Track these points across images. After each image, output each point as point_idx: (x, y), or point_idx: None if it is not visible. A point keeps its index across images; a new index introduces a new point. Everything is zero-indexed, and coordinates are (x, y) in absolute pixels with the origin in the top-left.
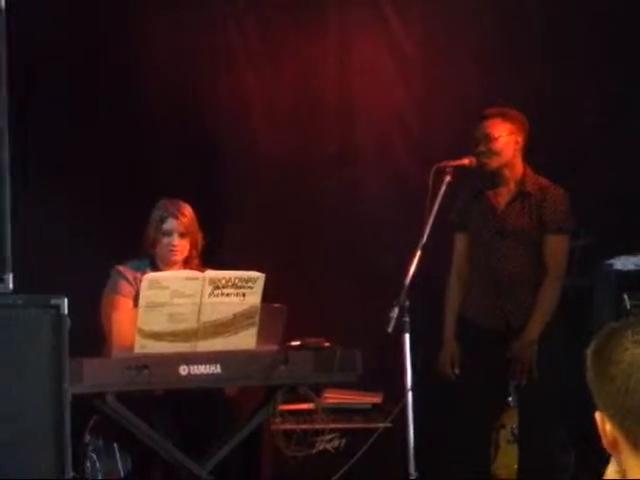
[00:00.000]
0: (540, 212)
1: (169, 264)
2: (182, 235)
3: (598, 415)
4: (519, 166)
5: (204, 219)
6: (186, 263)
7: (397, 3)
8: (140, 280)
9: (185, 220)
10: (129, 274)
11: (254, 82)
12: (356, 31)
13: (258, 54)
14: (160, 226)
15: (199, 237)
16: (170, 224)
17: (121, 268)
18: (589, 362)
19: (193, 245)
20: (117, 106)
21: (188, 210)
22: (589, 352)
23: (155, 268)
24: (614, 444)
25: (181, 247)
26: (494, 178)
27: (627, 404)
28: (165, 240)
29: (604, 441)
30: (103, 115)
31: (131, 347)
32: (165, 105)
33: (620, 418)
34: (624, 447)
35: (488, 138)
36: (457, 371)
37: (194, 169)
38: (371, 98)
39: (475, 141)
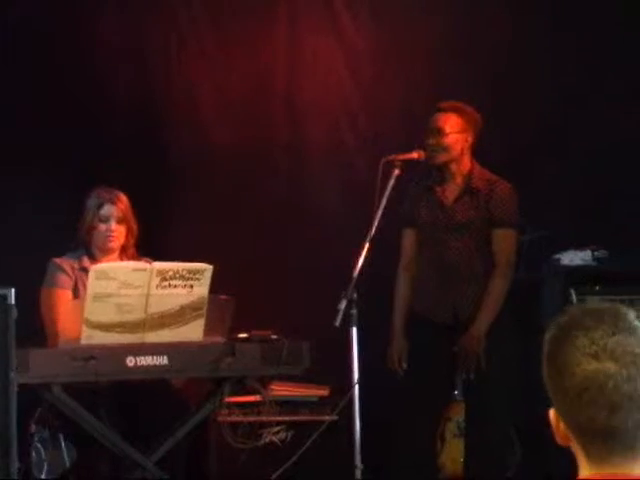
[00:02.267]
0: (487, 206)
1: (105, 251)
2: (119, 221)
3: (552, 413)
4: (466, 161)
5: (154, 211)
6: (122, 251)
7: None
8: (77, 269)
9: (122, 206)
10: (66, 265)
11: (204, 73)
12: (306, 23)
13: (208, 46)
14: (97, 212)
15: (135, 225)
16: (107, 210)
17: (57, 260)
18: (544, 362)
19: (130, 232)
20: (66, 96)
21: (124, 197)
22: (544, 350)
23: (91, 257)
24: (567, 440)
25: (118, 233)
26: (441, 173)
27: (578, 418)
28: (102, 226)
29: (557, 437)
30: (55, 107)
31: (75, 339)
32: (115, 97)
33: (572, 426)
34: (575, 447)
35: (439, 132)
36: (405, 366)
37: (141, 160)
38: (321, 91)
39: (426, 132)
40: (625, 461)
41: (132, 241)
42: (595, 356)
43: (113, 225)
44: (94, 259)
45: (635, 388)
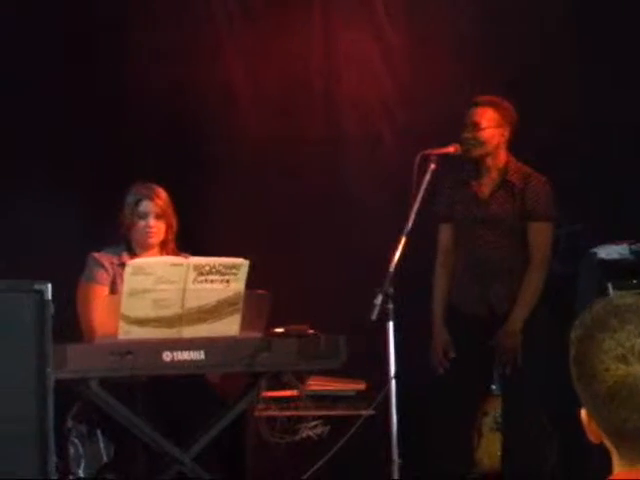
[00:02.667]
0: (523, 200)
1: (145, 247)
2: (158, 217)
3: (583, 413)
4: (502, 155)
5: (188, 205)
6: (162, 247)
7: None
8: (117, 265)
9: (160, 202)
10: (105, 260)
11: (240, 69)
12: (342, 18)
13: (244, 41)
14: (135, 209)
15: (174, 220)
16: (145, 206)
17: (96, 255)
18: (571, 364)
19: (169, 227)
20: (99, 90)
21: (162, 193)
22: (570, 351)
23: (131, 253)
24: (600, 437)
25: (157, 229)
26: (477, 167)
27: (609, 421)
28: (141, 223)
29: (589, 436)
30: (86, 100)
31: (113, 334)
32: (150, 91)
33: (603, 427)
34: (609, 445)
35: (475, 126)
36: (452, 355)
37: (178, 155)
38: (357, 85)
39: (463, 126)
40: None
41: (172, 236)
42: (623, 359)
43: (151, 221)
44: (134, 255)
45: None
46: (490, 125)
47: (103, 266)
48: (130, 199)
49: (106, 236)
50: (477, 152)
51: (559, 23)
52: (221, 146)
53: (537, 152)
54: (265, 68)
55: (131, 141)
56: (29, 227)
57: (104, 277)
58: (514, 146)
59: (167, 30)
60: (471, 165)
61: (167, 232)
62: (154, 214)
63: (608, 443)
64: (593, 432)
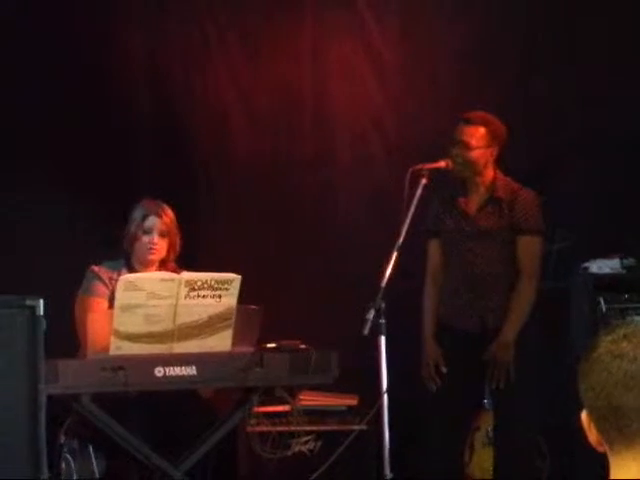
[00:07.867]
0: (511, 214)
1: (145, 264)
2: (162, 235)
3: (584, 414)
4: (490, 172)
5: (181, 221)
6: (162, 265)
7: (374, 4)
8: (116, 280)
9: (167, 220)
10: (104, 274)
11: (231, 84)
12: (332, 32)
13: (235, 55)
14: (141, 224)
15: (178, 240)
16: (152, 222)
17: (96, 268)
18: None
19: (171, 247)
20: (92, 104)
21: (169, 211)
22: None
23: (130, 268)
24: (599, 443)
25: (160, 246)
26: (464, 183)
27: (594, 403)
28: (145, 238)
29: (590, 439)
30: (78, 113)
31: (106, 348)
32: (142, 104)
33: (594, 418)
34: (605, 447)
35: (465, 146)
36: (445, 370)
37: (169, 169)
38: (347, 100)
39: (452, 142)
40: None
41: (173, 256)
42: (613, 342)
43: (155, 238)
44: (133, 271)
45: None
46: (480, 145)
47: (102, 279)
48: (137, 213)
49: (101, 251)
50: (466, 172)
51: (551, 37)
52: (213, 165)
53: (529, 168)
54: (255, 85)
55: (123, 159)
56: (21, 242)
57: (102, 290)
58: (512, 157)
59: (159, 47)
60: (458, 181)
61: (169, 251)
62: (159, 231)
63: (604, 442)
64: (593, 436)
